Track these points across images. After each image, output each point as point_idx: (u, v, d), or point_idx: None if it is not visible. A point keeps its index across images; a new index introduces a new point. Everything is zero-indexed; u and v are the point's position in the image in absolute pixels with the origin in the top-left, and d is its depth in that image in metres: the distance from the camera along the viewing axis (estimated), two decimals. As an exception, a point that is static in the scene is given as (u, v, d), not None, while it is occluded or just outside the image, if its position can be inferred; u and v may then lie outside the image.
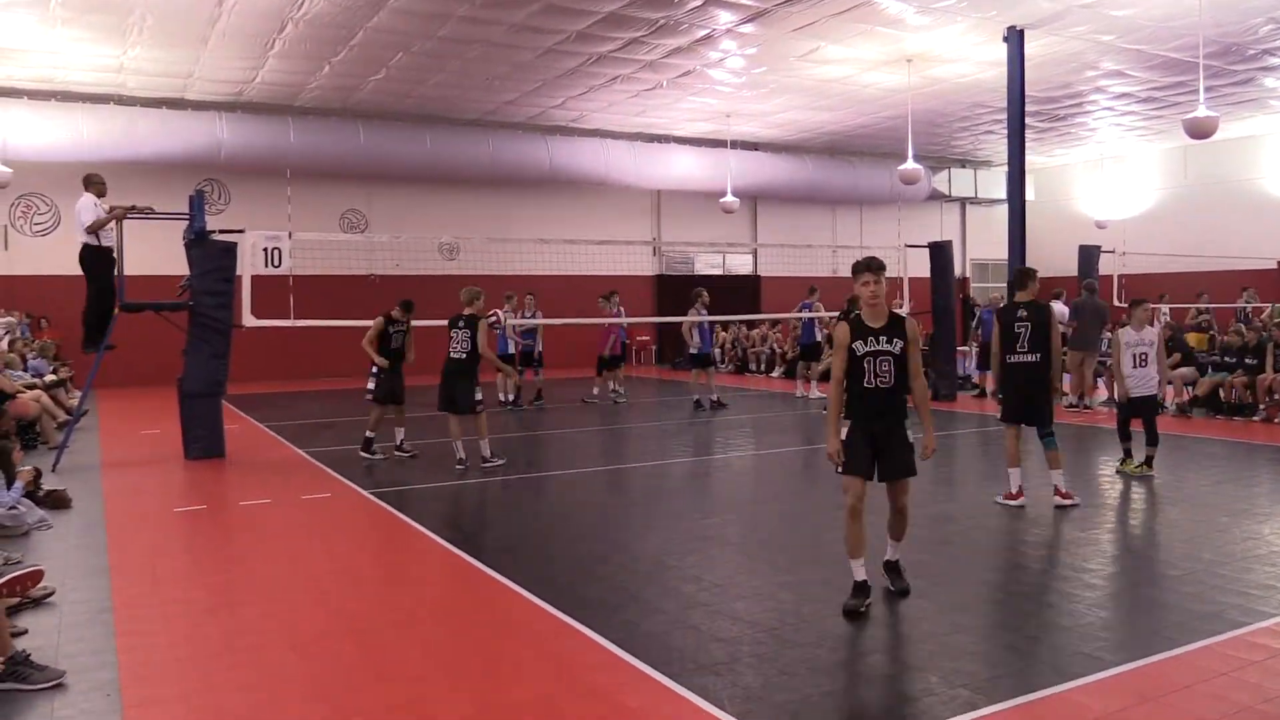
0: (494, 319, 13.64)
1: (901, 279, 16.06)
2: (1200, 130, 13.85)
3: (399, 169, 20.58)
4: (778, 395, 17.31)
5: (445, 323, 10.11)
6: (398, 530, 7.42)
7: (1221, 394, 13.33)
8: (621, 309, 17.02)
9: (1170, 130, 22.30)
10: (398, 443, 10.53)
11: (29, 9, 13.27)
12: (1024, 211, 15.96)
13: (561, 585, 5.76)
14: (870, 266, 5.26)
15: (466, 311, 9.81)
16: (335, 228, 21.18)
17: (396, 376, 10.50)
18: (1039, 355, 7.73)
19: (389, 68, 16.75)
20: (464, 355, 9.75)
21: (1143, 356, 8.88)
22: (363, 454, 10.34)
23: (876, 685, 4.29)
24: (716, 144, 23.15)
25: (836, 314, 17.09)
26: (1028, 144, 18.52)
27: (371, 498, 8.46)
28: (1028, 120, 18.33)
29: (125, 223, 10.66)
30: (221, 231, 11.15)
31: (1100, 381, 14.98)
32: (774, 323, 22.10)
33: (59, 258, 17.93)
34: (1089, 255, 17.86)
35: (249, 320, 10.97)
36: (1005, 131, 16.54)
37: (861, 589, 5.17)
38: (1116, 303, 17.85)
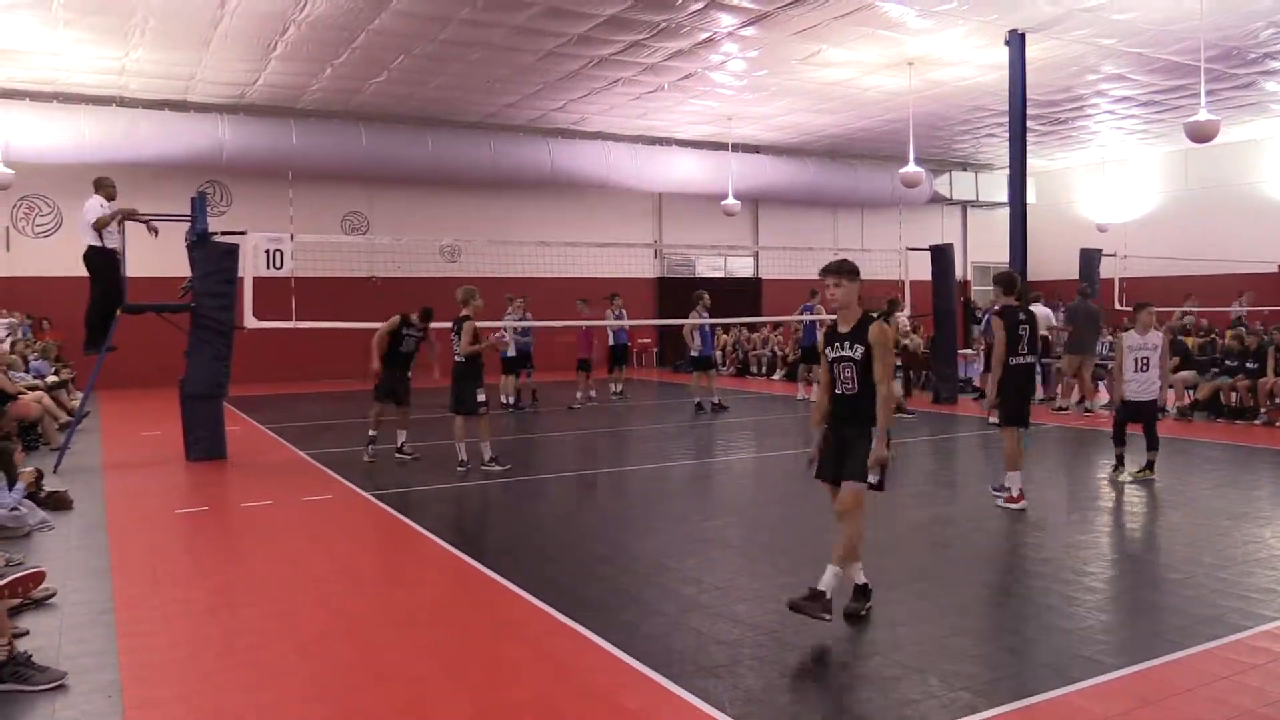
0: (500, 336, 13.72)
1: (902, 282, 16.05)
2: (1201, 134, 13.87)
3: (400, 171, 20.60)
4: (779, 398, 17.32)
5: (448, 325, 10.09)
6: (398, 532, 7.42)
7: (1222, 397, 13.33)
8: (623, 311, 17.04)
9: (1171, 134, 22.33)
10: (399, 445, 10.52)
11: (31, 11, 13.29)
12: (1025, 215, 15.98)
13: (562, 587, 5.76)
14: (830, 269, 5.18)
15: (461, 313, 9.80)
16: (337, 230, 21.20)
17: (402, 378, 10.49)
18: (1036, 357, 8.08)
19: (391, 70, 16.77)
20: (460, 358, 9.74)
21: (1144, 361, 8.79)
22: (364, 453, 10.35)
23: (877, 688, 4.28)
24: (718, 147, 23.16)
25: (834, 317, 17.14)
26: (1029, 147, 18.52)
27: (372, 499, 8.46)
28: (1029, 124, 18.36)
29: (128, 224, 10.68)
30: (223, 233, 11.15)
31: (1101, 385, 14.97)
32: (775, 325, 22.11)
33: (61, 259, 17.98)
34: (1090, 258, 17.87)
35: (250, 322, 10.97)
36: (1006, 135, 16.57)
37: (861, 592, 5.17)
38: (1118, 306, 17.86)
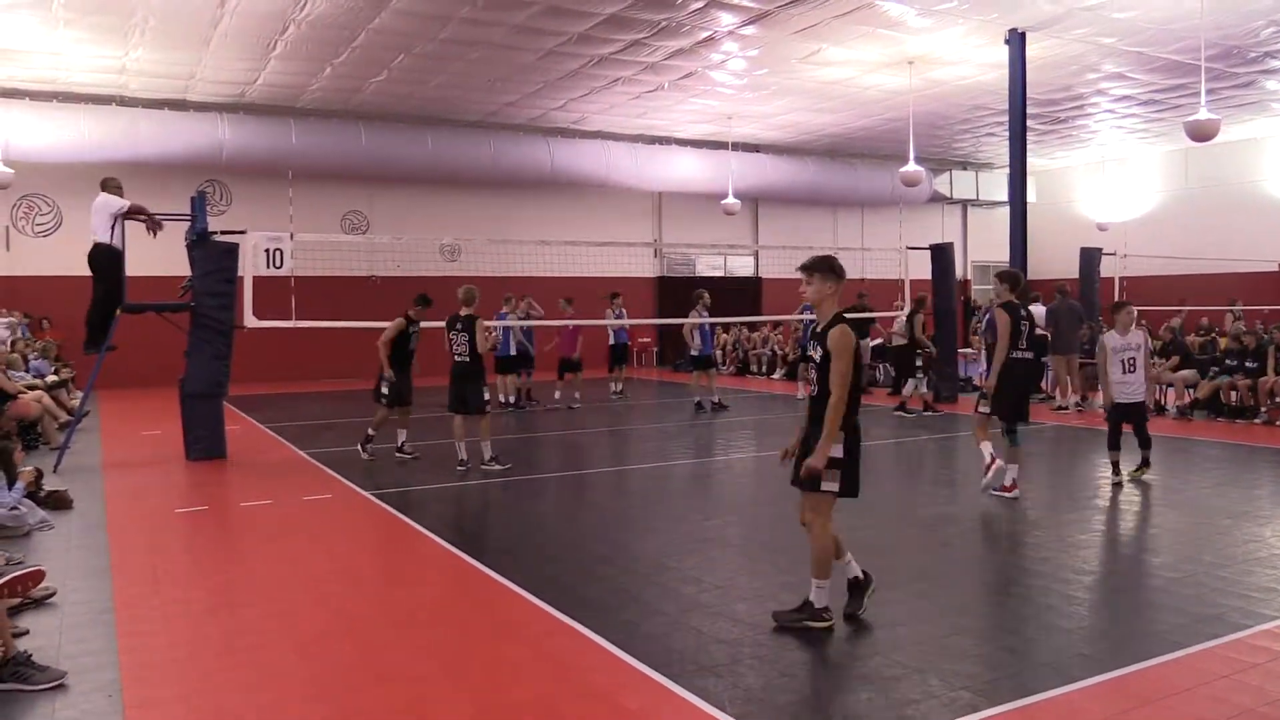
0: (495, 336, 13.67)
1: (902, 281, 16.05)
2: (1202, 133, 13.86)
3: (400, 170, 20.59)
4: (779, 397, 17.32)
5: (444, 323, 10.08)
6: (398, 531, 7.42)
7: (1222, 396, 13.32)
8: (624, 311, 17.04)
9: (1171, 133, 22.32)
10: (399, 444, 10.52)
11: (31, 10, 13.29)
12: (1025, 213, 15.97)
13: (562, 586, 5.75)
14: (801, 266, 5.04)
15: (464, 312, 9.78)
16: (337, 229, 21.20)
17: (406, 378, 10.50)
18: (1035, 354, 8.18)
19: (391, 69, 16.76)
20: (467, 357, 9.74)
21: (1131, 361, 8.58)
22: (361, 451, 10.36)
23: (877, 687, 4.28)
24: (718, 146, 23.16)
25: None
26: (1029, 146, 18.51)
27: (373, 499, 8.46)
28: (1029, 123, 18.34)
29: (128, 223, 10.68)
30: (223, 232, 11.15)
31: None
32: (775, 325, 22.11)
33: (61, 258, 17.99)
34: (1090, 258, 17.86)
35: (250, 321, 10.97)
36: (1006, 134, 16.56)
37: (855, 587, 5.13)
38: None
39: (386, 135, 19.98)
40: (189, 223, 10.90)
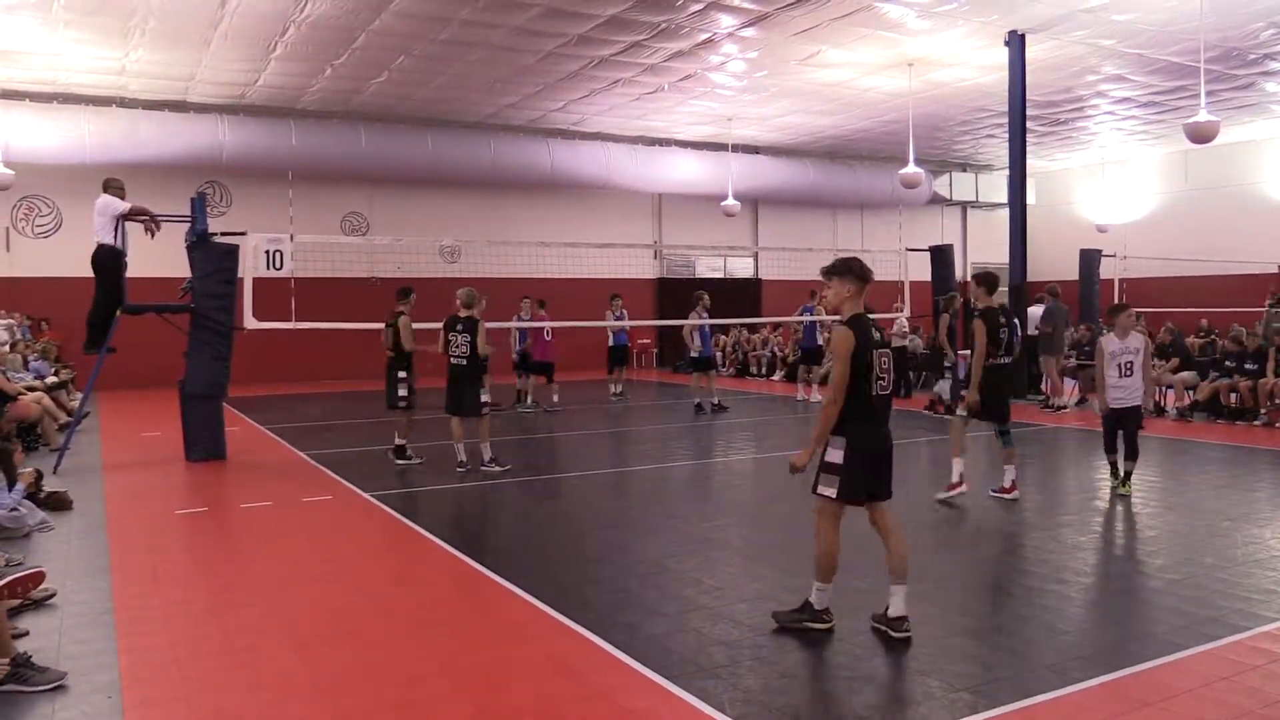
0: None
1: (902, 283, 16.06)
2: (1201, 135, 13.88)
3: (400, 171, 20.61)
4: (779, 398, 17.32)
5: (441, 325, 10.06)
6: (398, 532, 7.42)
7: (1222, 398, 13.33)
8: (624, 312, 17.04)
9: (1171, 135, 22.34)
10: (396, 443, 10.50)
11: (32, 11, 13.29)
12: (1025, 215, 16.00)
13: (562, 587, 5.76)
14: (822, 270, 5.04)
15: (465, 314, 9.78)
16: (337, 230, 21.21)
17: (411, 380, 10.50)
18: (1013, 359, 8.23)
19: (391, 70, 16.77)
20: (465, 360, 9.74)
21: (1129, 365, 8.25)
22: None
23: (877, 689, 4.28)
24: (718, 147, 23.17)
25: (836, 318, 17.15)
26: (1029, 148, 18.55)
27: (372, 500, 8.46)
28: (1029, 124, 18.38)
29: (128, 224, 10.69)
30: (223, 234, 11.16)
31: (1071, 383, 15.36)
32: (775, 326, 22.13)
33: (61, 260, 18.01)
34: (1090, 259, 17.88)
35: (250, 322, 10.98)
36: (1006, 136, 16.59)
37: (801, 606, 5.02)
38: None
39: (386, 137, 19.99)
40: (189, 224, 10.90)
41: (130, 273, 10.87)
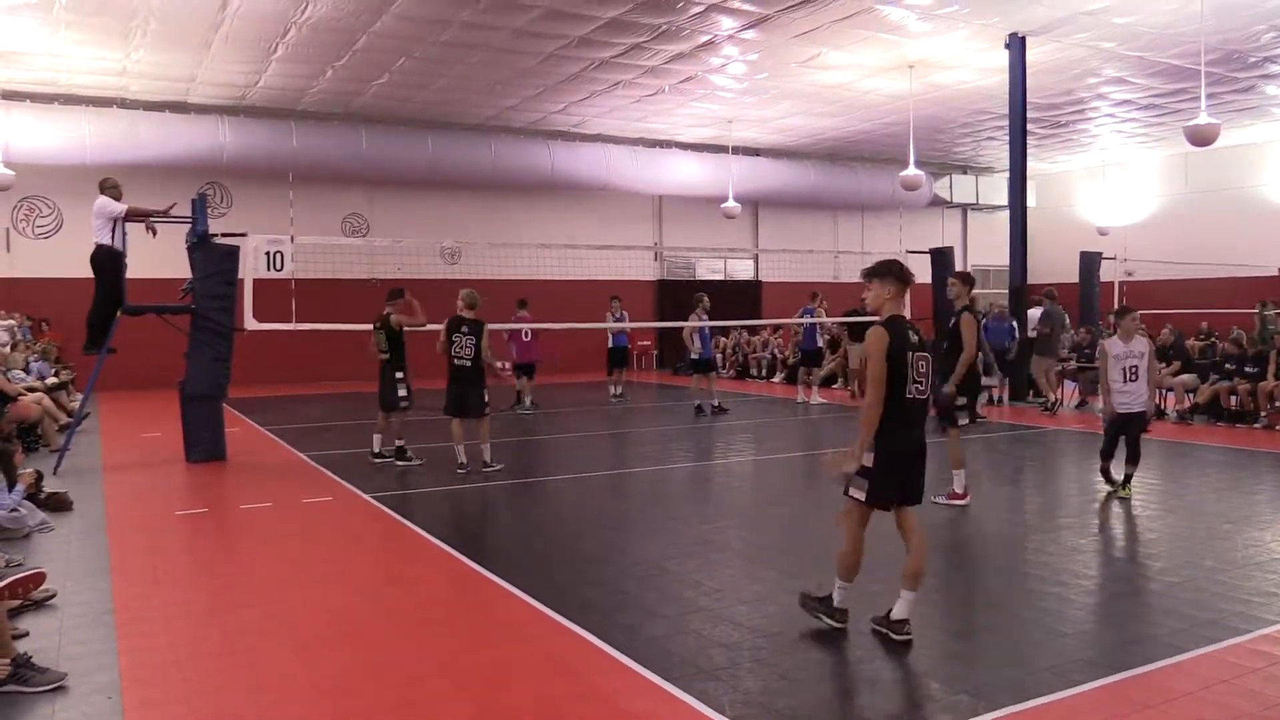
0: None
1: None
2: (1202, 137, 13.89)
3: (401, 173, 20.62)
4: (779, 400, 17.31)
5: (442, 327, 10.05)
6: (398, 533, 7.42)
7: (1222, 401, 13.33)
8: (624, 314, 17.04)
9: (1172, 137, 22.35)
10: (395, 446, 10.49)
11: (33, 12, 13.30)
12: (1025, 218, 16.01)
13: (562, 589, 5.76)
14: (861, 272, 5.05)
15: (469, 315, 9.78)
16: (337, 232, 21.21)
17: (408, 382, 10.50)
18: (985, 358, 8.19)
19: (391, 72, 16.78)
20: (469, 362, 9.74)
21: (1133, 369, 8.14)
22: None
23: (877, 691, 4.28)
24: (718, 149, 23.19)
25: (837, 319, 17.19)
26: (1029, 150, 18.56)
27: (373, 501, 8.46)
28: (1029, 127, 18.38)
29: (128, 224, 10.68)
30: (224, 235, 11.16)
31: (1072, 386, 15.35)
32: (775, 328, 22.12)
33: (61, 260, 18.01)
34: (1090, 262, 17.89)
35: (251, 323, 10.97)
36: (1007, 138, 16.60)
37: (816, 596, 5.11)
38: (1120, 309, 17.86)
39: (387, 138, 20.00)
40: (189, 225, 10.90)
41: (130, 273, 10.87)
